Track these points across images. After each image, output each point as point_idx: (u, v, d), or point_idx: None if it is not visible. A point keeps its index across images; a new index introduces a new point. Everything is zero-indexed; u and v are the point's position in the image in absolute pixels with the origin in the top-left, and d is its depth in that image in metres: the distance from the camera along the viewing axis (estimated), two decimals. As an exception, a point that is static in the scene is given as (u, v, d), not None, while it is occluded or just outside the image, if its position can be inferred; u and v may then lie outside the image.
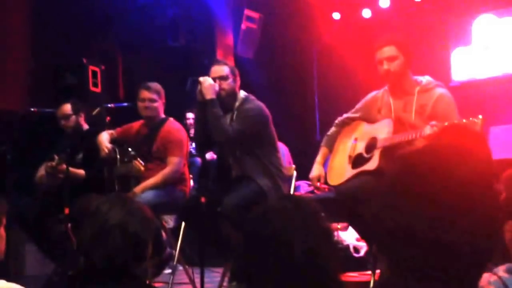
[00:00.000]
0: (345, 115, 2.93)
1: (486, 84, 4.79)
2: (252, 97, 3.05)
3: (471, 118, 2.29)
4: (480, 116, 2.27)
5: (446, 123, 2.32)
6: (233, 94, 3.01)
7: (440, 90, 2.62)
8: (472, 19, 4.92)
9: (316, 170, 2.89)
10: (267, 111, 3.01)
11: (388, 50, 2.62)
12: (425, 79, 2.67)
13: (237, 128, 2.91)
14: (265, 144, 3.01)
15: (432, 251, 0.72)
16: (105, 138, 3.46)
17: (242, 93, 3.05)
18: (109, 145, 3.39)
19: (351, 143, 2.80)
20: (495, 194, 0.76)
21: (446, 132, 0.81)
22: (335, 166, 2.88)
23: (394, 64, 2.61)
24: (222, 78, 2.99)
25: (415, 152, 0.77)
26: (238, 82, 3.04)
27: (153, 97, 3.43)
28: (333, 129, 2.95)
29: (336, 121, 2.95)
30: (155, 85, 3.49)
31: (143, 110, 3.45)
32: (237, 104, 3.00)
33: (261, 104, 3.02)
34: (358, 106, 2.89)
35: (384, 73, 2.63)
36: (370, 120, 2.80)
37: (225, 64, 3.09)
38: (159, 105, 3.46)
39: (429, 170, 0.74)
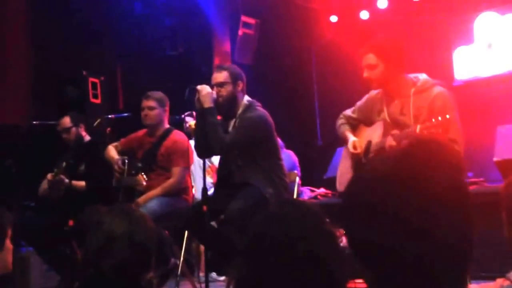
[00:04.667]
0: (348, 113, 2.88)
1: (490, 83, 4.74)
2: (256, 104, 2.99)
3: (439, 118, 2.28)
4: (448, 116, 2.28)
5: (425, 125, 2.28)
6: (232, 100, 2.95)
7: (438, 89, 2.54)
8: (473, 17, 4.88)
9: (352, 138, 2.76)
10: (269, 119, 2.95)
11: (367, 58, 2.59)
12: (422, 77, 2.60)
13: (234, 137, 2.87)
14: (268, 153, 2.97)
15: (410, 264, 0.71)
16: (113, 152, 3.48)
17: (246, 99, 2.99)
18: (119, 158, 3.41)
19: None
20: (468, 199, 0.75)
21: (412, 147, 0.78)
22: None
23: (374, 72, 2.58)
24: (219, 84, 2.95)
25: (381, 176, 0.75)
26: (240, 87, 2.97)
27: (151, 105, 3.45)
28: (342, 120, 2.89)
29: (341, 116, 2.90)
30: (155, 93, 3.51)
31: (143, 118, 3.49)
32: (240, 110, 2.95)
33: (264, 113, 2.96)
34: (359, 104, 2.84)
35: (365, 80, 2.63)
36: (370, 121, 2.76)
37: (226, 69, 3.01)
38: (159, 112, 3.46)
39: (397, 192, 0.73)
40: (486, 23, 4.83)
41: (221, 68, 3.04)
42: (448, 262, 0.72)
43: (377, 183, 0.74)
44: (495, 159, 3.44)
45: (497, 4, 4.80)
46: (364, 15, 5.31)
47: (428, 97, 2.53)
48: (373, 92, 2.76)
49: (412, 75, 2.63)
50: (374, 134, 2.67)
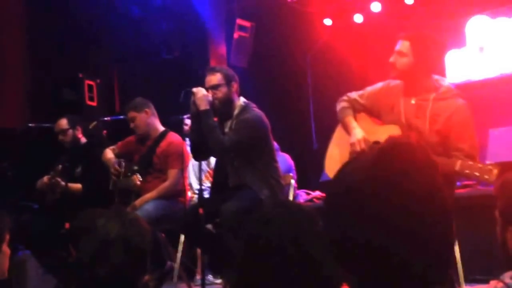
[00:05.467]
0: (354, 95, 2.67)
1: (482, 86, 4.78)
2: (252, 105, 3.00)
3: (487, 162, 2.18)
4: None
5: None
6: (228, 102, 2.96)
7: (459, 102, 2.44)
8: (465, 20, 4.91)
9: (360, 132, 2.55)
10: (266, 120, 2.96)
11: (401, 44, 2.46)
12: (446, 84, 2.51)
13: (233, 139, 2.88)
14: (264, 154, 2.98)
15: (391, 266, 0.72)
16: (110, 155, 3.49)
17: (242, 100, 2.99)
18: (116, 161, 3.43)
19: None
20: (445, 200, 0.76)
21: (387, 151, 0.80)
22: (336, 158, 2.69)
23: (401, 60, 2.46)
24: (214, 87, 2.94)
25: (360, 182, 0.76)
26: (234, 87, 2.97)
27: (131, 116, 3.47)
28: (344, 104, 2.67)
29: (345, 98, 2.69)
30: (131, 103, 3.53)
31: (134, 131, 3.53)
32: (236, 112, 2.96)
33: (260, 113, 2.97)
34: (370, 90, 2.64)
35: (390, 65, 2.50)
36: (378, 113, 2.60)
37: (218, 71, 3.00)
38: (141, 117, 3.46)
39: (377, 197, 0.73)
40: (478, 27, 4.87)
41: (213, 70, 3.03)
42: (430, 262, 0.72)
43: (356, 186, 0.75)
44: (487, 162, 3.47)
45: (488, 8, 4.85)
46: (358, 18, 5.34)
47: (448, 108, 2.43)
48: (391, 83, 2.61)
49: (435, 77, 2.52)
50: (384, 137, 2.54)
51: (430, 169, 0.76)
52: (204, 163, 4.54)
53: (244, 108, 2.96)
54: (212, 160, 3.80)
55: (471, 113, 2.47)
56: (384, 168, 0.75)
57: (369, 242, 0.72)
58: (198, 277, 3.95)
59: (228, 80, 2.95)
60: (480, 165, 2.17)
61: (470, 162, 2.20)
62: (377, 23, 5.13)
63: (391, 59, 2.49)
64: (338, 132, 2.73)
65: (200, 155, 3.07)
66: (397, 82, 2.59)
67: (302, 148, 5.31)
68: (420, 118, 2.46)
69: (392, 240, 0.71)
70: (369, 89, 2.67)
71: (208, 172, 4.20)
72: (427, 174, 0.75)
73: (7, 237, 1.60)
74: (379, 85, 2.65)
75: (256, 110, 2.98)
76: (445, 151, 2.38)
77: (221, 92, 2.93)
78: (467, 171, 2.18)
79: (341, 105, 2.69)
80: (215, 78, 2.94)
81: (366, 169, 0.76)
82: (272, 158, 3.01)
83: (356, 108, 2.66)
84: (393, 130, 2.52)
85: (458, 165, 2.22)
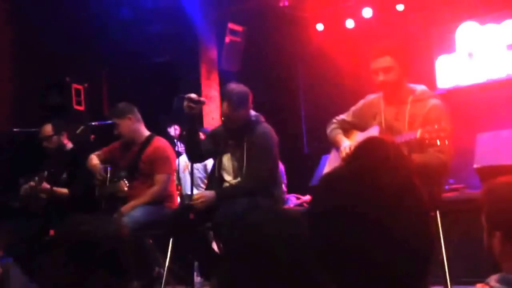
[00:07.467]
0: (341, 117, 2.88)
1: (471, 91, 4.83)
2: (261, 118, 3.03)
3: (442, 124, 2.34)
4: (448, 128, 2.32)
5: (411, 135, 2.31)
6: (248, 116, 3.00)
7: (434, 101, 2.59)
8: (455, 26, 4.97)
9: (346, 141, 2.75)
10: (275, 136, 3.02)
11: (384, 61, 2.58)
12: (420, 88, 2.65)
13: (264, 168, 2.93)
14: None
15: (370, 269, 0.72)
16: (95, 161, 3.44)
17: (253, 114, 3.02)
18: (102, 167, 3.38)
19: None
20: (420, 196, 0.76)
21: (361, 149, 0.80)
22: None
23: (390, 75, 2.58)
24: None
25: (337, 178, 0.78)
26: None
27: (115, 122, 3.42)
28: (334, 125, 2.88)
29: (334, 121, 2.89)
30: (113, 109, 3.51)
31: (120, 137, 3.49)
32: (249, 126, 2.97)
33: (271, 129, 3.01)
34: (353, 109, 2.84)
35: (380, 83, 2.61)
36: (364, 125, 2.76)
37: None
38: (124, 124, 3.41)
39: (353, 192, 0.74)
40: (467, 33, 4.92)
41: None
42: (411, 263, 0.72)
43: (336, 187, 0.76)
44: (475, 166, 3.49)
45: (478, 15, 4.90)
46: (350, 23, 5.37)
47: (424, 107, 2.57)
48: (370, 97, 2.77)
49: (410, 85, 2.66)
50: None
51: (403, 165, 0.77)
52: (201, 170, 4.51)
53: (256, 124, 2.98)
54: (209, 166, 3.77)
55: (446, 110, 2.59)
56: (357, 164, 0.76)
57: (349, 241, 0.72)
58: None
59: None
60: (436, 127, 2.32)
61: (429, 127, 2.32)
62: (369, 28, 5.17)
63: (380, 78, 2.59)
64: (332, 154, 2.88)
65: (194, 157, 3.06)
66: (375, 95, 2.73)
67: (293, 152, 5.30)
68: (400, 121, 2.60)
69: (370, 237, 0.71)
70: (353, 108, 2.84)
71: (207, 178, 4.18)
72: (399, 170, 0.75)
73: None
74: (361, 102, 2.82)
75: (266, 126, 3.00)
76: (423, 150, 2.49)
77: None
78: (426, 135, 2.31)
79: (331, 127, 2.87)
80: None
81: (346, 164, 0.79)
82: (276, 170, 3.03)
83: (345, 128, 2.83)
84: (372, 132, 2.65)
85: (418, 133, 2.36)
